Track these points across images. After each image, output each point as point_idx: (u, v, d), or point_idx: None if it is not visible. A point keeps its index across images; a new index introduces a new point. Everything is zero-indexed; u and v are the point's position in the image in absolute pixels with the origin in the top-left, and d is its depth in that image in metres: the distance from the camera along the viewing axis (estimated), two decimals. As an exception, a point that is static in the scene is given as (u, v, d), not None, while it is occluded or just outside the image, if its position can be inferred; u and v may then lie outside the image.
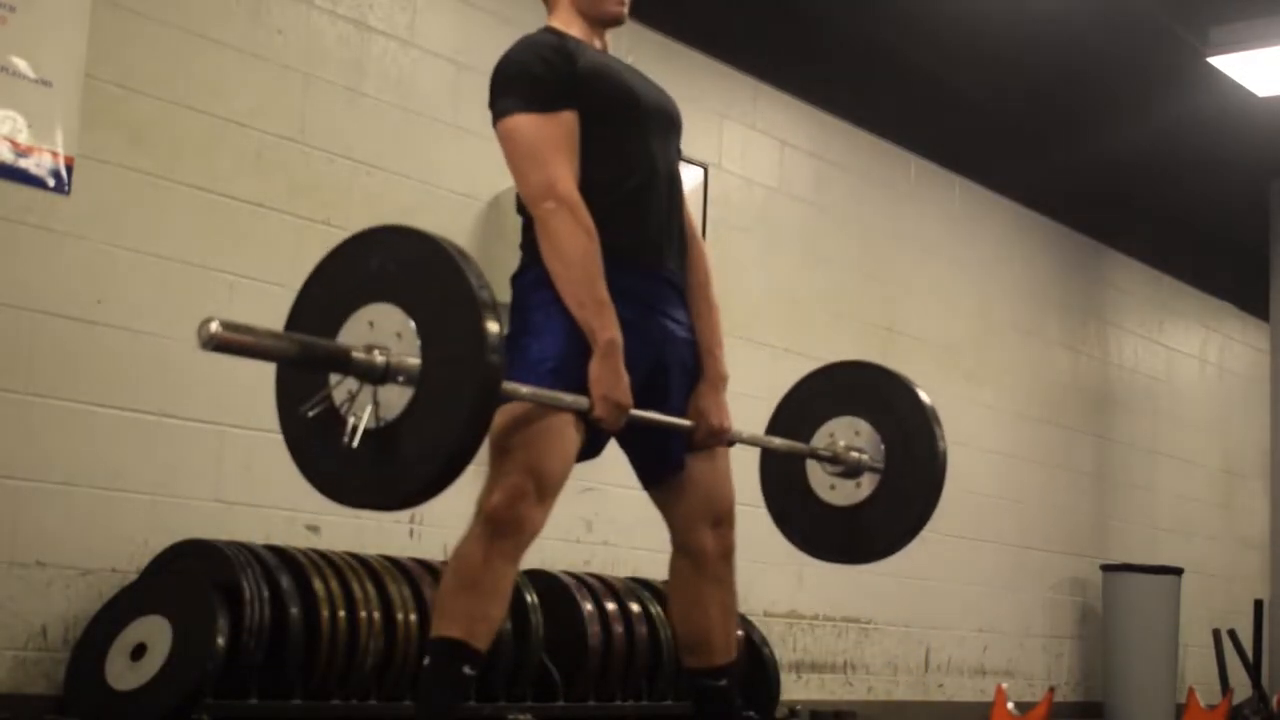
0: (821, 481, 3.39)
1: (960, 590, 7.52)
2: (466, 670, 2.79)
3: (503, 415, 2.75)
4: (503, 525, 2.76)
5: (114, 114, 4.33)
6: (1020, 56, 6.87)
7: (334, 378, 2.54)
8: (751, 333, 6.17)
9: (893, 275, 7.36)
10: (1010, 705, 5.83)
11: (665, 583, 5.04)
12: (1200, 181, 8.38)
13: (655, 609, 5.07)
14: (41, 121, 4.15)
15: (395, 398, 2.49)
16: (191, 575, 4.09)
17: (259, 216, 4.68)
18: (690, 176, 6.19)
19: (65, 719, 3.97)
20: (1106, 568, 8.40)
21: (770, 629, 5.98)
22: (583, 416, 2.82)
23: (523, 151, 2.94)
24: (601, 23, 3.15)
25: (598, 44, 3.15)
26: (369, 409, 2.49)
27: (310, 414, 2.54)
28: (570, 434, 2.83)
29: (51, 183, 4.17)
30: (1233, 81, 6.94)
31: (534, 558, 5.12)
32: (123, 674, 3.91)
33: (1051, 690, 6.25)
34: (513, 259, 5.74)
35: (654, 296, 3.00)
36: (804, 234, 6.87)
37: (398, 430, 2.48)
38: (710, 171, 6.24)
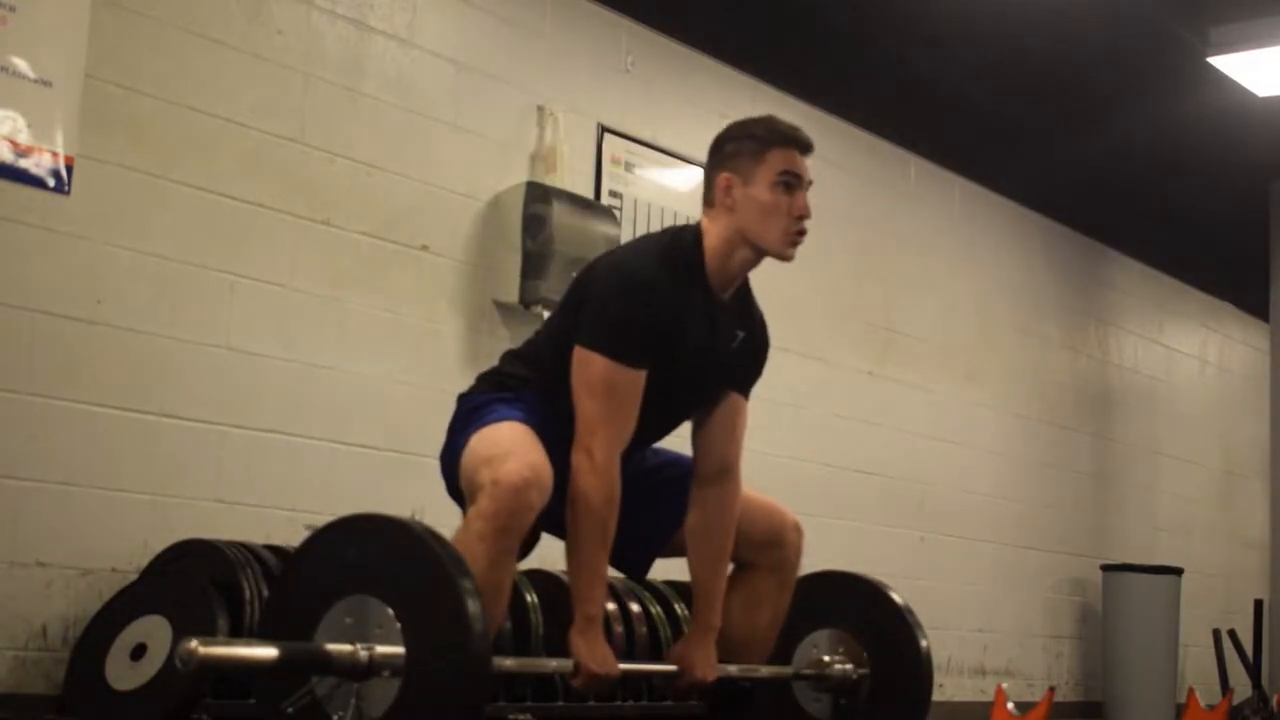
0: (807, 695, 3.42)
1: (960, 590, 7.52)
2: None
3: (468, 452, 2.83)
4: (511, 515, 2.78)
5: (114, 114, 4.32)
6: (1020, 56, 6.87)
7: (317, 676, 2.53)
8: (751, 333, 6.16)
9: (892, 275, 7.36)
10: (1010, 705, 5.83)
11: (666, 583, 5.07)
12: (1200, 182, 8.38)
13: (655, 609, 5.06)
14: (41, 121, 4.15)
15: (381, 692, 2.46)
16: (191, 575, 4.09)
17: (259, 216, 4.67)
18: (690, 177, 6.20)
19: (65, 719, 3.97)
20: (1106, 568, 8.40)
21: (770, 629, 5.99)
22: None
23: (590, 391, 2.98)
24: (761, 253, 3.13)
25: (731, 275, 3.13)
26: (351, 706, 2.47)
27: (290, 710, 2.52)
28: (534, 434, 2.93)
29: (51, 183, 4.17)
30: (1233, 81, 6.94)
31: (534, 557, 5.11)
32: (123, 674, 3.91)
33: (1051, 690, 6.25)
34: (513, 259, 5.77)
35: None
36: (804, 234, 6.86)
37: None
38: (710, 171, 6.24)
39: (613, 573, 5.39)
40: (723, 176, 3.09)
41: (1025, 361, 8.30)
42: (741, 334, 3.18)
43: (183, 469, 4.42)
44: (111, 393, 4.27)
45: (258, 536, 4.43)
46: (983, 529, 7.74)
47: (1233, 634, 8.00)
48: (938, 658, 7.46)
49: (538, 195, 5.28)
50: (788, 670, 3.36)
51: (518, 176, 5.39)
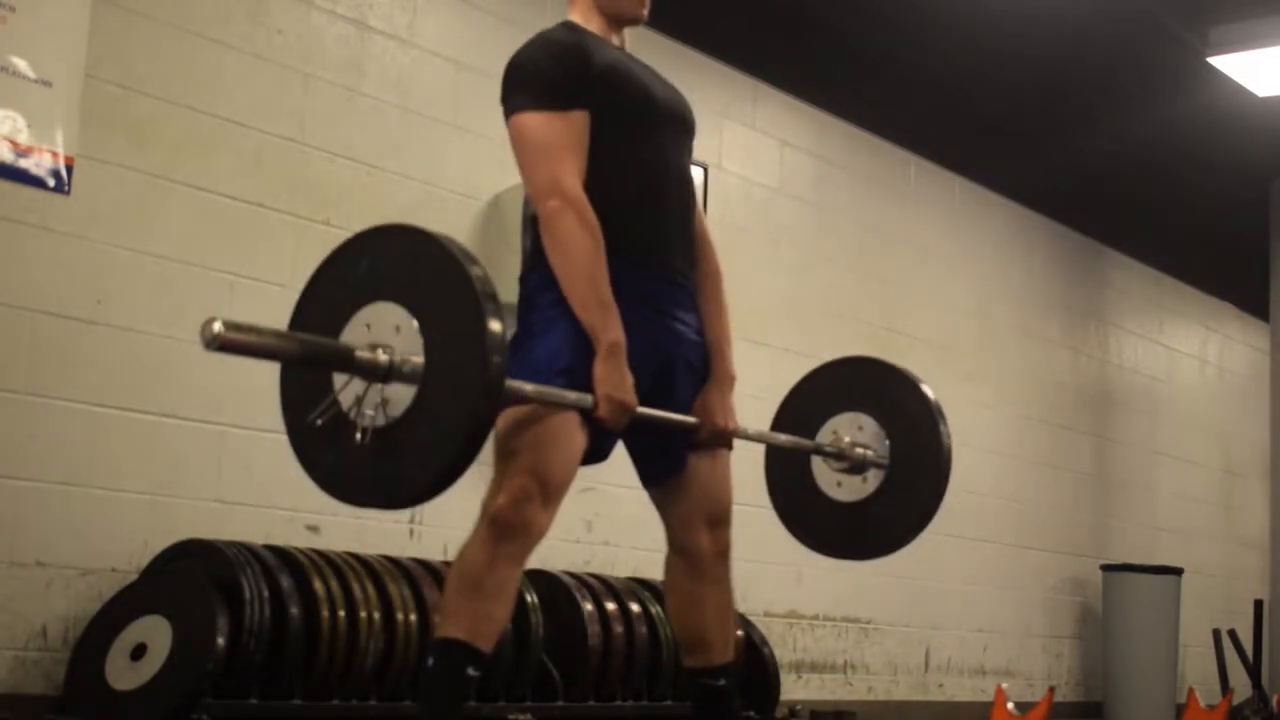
0: (827, 478, 3.38)
1: (960, 590, 7.52)
2: (470, 671, 2.80)
3: (506, 418, 2.76)
4: (508, 528, 2.76)
5: (114, 114, 4.33)
6: (1020, 56, 6.86)
7: (338, 381, 2.54)
8: (751, 333, 6.17)
9: (893, 275, 7.36)
10: (1010, 705, 5.83)
11: (664, 582, 5.06)
12: (1200, 181, 8.37)
13: (655, 609, 5.07)
14: (41, 121, 4.15)
15: (398, 396, 2.49)
16: (191, 575, 4.09)
17: (259, 216, 4.68)
18: (690, 176, 6.19)
19: (65, 719, 3.97)
20: (1106, 568, 8.40)
21: (770, 629, 5.98)
22: (586, 416, 2.82)
23: (531, 149, 2.94)
24: (619, 21, 3.13)
25: (615, 41, 3.13)
26: (377, 406, 2.49)
27: (319, 422, 2.54)
28: (575, 436, 2.84)
29: (51, 183, 4.17)
30: (1233, 81, 6.93)
31: (534, 558, 5.13)
32: (123, 674, 3.91)
33: (1051, 690, 6.25)
34: (514, 259, 5.74)
35: (661, 297, 3.01)
36: (804, 234, 6.87)
37: (402, 428, 2.48)
38: (710, 171, 6.24)
39: (614, 572, 5.42)
40: None
41: (1025, 361, 8.30)
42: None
43: (183, 469, 4.42)
44: (111, 392, 4.27)
45: (258, 536, 4.44)
46: (983, 529, 7.74)
47: (1233, 634, 8.00)
48: (938, 658, 7.50)
49: (538, 195, 5.28)
50: (807, 444, 3.34)
51: (518, 176, 5.36)
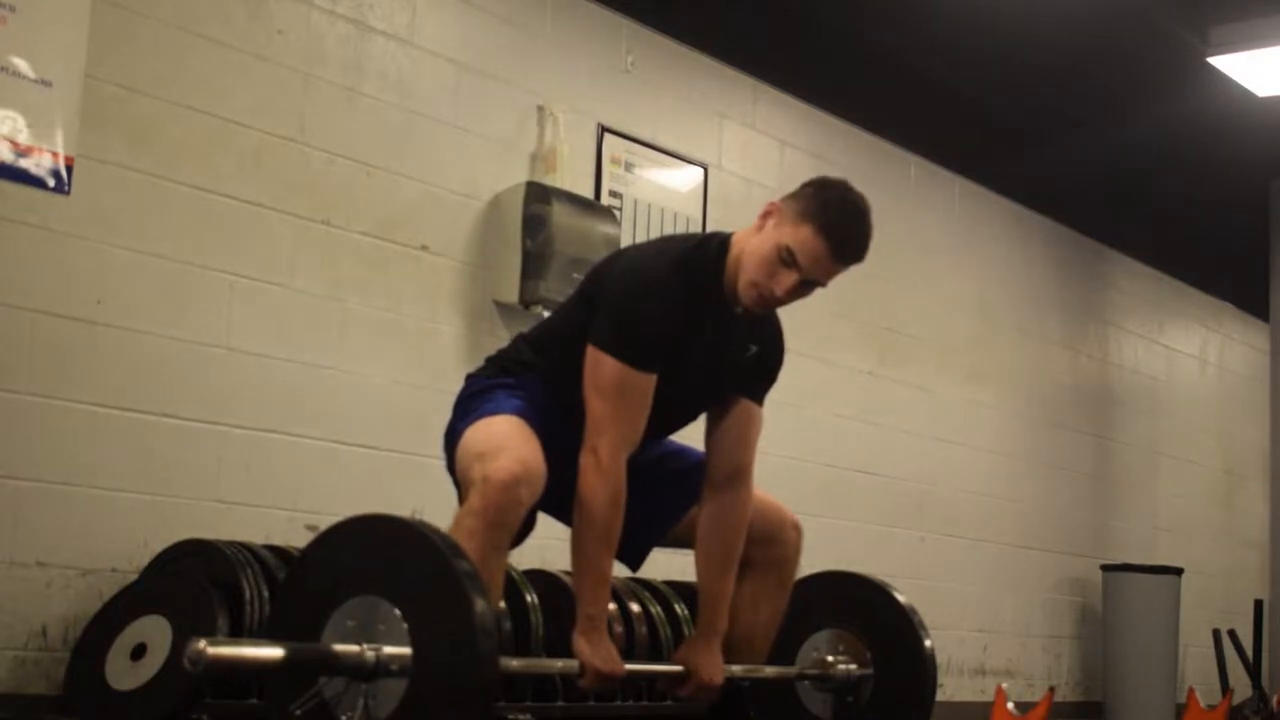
0: (813, 698, 3.42)
1: (960, 590, 7.52)
2: None
3: (462, 446, 2.83)
4: (501, 511, 2.79)
5: (114, 114, 4.32)
6: (1020, 56, 6.87)
7: (324, 677, 2.53)
8: (751, 333, 6.17)
9: (893, 275, 7.35)
10: (1010, 705, 5.83)
11: (666, 583, 5.06)
12: (1200, 181, 8.38)
13: (655, 609, 5.06)
14: (41, 121, 4.15)
15: (388, 692, 2.46)
16: (191, 575, 4.09)
17: (259, 216, 4.67)
18: (690, 177, 6.20)
19: (65, 719, 3.97)
20: (1106, 568, 8.40)
21: (770, 629, 5.98)
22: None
23: (600, 392, 2.98)
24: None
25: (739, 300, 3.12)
26: (360, 707, 2.47)
27: (299, 712, 2.52)
28: (529, 428, 2.94)
29: (51, 183, 4.17)
30: (1233, 81, 6.94)
31: (534, 558, 5.16)
32: (123, 674, 3.91)
33: (1051, 690, 6.26)
34: (514, 259, 5.77)
35: None
36: (804, 234, 6.86)
37: None
38: (710, 171, 6.25)
39: (614, 572, 5.41)
40: (775, 202, 3.10)
41: (1025, 361, 8.30)
42: (755, 348, 3.19)
43: (183, 469, 4.42)
44: (111, 393, 4.27)
45: (258, 536, 4.44)
46: (983, 529, 7.74)
47: (1233, 634, 8.01)
48: (938, 658, 7.48)
49: (538, 195, 5.28)
50: (792, 670, 3.36)
51: (518, 176, 5.39)
